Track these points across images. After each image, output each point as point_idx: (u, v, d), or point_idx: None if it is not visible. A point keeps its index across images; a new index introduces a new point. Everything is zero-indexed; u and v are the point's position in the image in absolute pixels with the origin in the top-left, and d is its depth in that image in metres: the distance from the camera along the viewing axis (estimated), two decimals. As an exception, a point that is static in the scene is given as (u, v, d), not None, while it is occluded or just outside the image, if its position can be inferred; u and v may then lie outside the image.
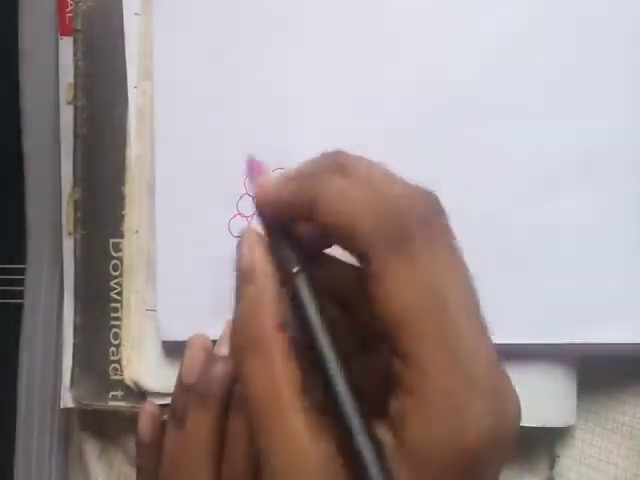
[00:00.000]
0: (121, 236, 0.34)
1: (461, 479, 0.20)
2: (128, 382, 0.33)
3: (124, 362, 0.33)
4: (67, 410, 0.35)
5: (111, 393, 0.34)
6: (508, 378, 0.22)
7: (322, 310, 0.22)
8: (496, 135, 0.31)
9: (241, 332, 0.23)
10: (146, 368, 0.33)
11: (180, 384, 0.29)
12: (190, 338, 0.30)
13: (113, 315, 0.34)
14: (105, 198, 0.34)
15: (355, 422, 0.20)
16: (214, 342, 0.30)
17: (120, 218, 0.34)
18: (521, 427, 0.30)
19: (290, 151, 0.32)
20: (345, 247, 0.22)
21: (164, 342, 0.33)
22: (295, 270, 0.22)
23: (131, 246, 0.33)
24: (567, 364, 0.32)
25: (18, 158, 0.37)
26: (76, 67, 0.34)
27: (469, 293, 0.22)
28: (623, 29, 0.31)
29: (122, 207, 0.34)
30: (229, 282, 0.28)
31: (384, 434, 0.21)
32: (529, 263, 0.31)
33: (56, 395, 0.37)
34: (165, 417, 0.31)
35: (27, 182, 0.37)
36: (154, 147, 0.32)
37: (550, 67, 0.31)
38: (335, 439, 0.21)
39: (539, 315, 0.31)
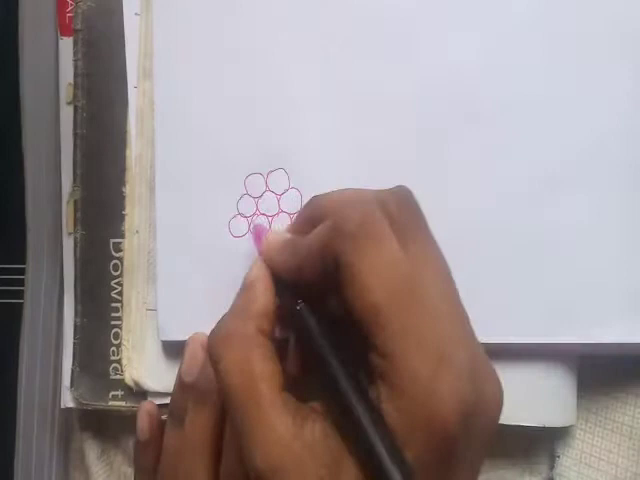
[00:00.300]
0: (121, 236, 0.34)
1: (441, 461, 0.20)
2: (128, 382, 0.33)
3: (124, 362, 0.33)
4: (67, 410, 0.35)
5: (111, 393, 0.34)
6: (490, 365, 0.23)
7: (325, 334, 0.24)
8: (495, 135, 0.31)
9: (223, 329, 0.24)
10: (147, 368, 0.33)
11: (180, 383, 0.30)
12: (190, 337, 0.30)
13: (113, 315, 0.34)
14: (105, 198, 0.34)
15: (365, 419, 0.21)
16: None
17: (120, 218, 0.34)
18: (521, 427, 0.31)
19: (291, 151, 0.32)
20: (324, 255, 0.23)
21: (164, 342, 0.33)
22: (299, 307, 0.24)
23: (131, 246, 0.33)
24: (567, 364, 0.32)
25: (18, 157, 0.37)
26: (76, 67, 0.34)
27: (442, 280, 0.23)
28: (623, 29, 0.31)
29: (122, 207, 0.34)
30: (229, 282, 0.28)
31: None
32: (528, 263, 0.31)
33: (56, 395, 0.37)
34: (164, 417, 0.31)
35: (27, 182, 0.37)
36: (154, 147, 0.32)
37: (550, 67, 0.31)
38: (322, 428, 0.21)
39: (539, 315, 0.31)
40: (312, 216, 0.26)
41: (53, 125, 0.36)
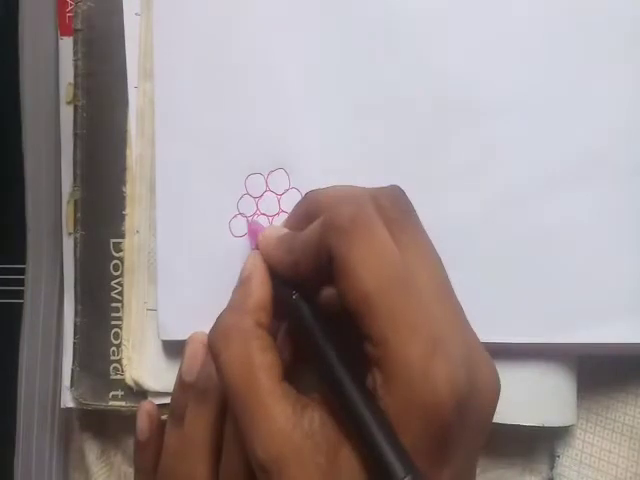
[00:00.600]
0: (122, 236, 0.34)
1: (436, 446, 0.21)
2: (129, 382, 0.33)
3: (125, 362, 0.33)
4: (67, 410, 0.35)
5: (111, 393, 0.34)
6: (485, 352, 0.23)
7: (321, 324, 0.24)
8: (496, 135, 0.31)
9: (221, 325, 0.24)
10: (147, 368, 0.33)
11: (180, 382, 0.30)
12: (190, 336, 0.30)
13: (114, 315, 0.34)
14: (106, 198, 0.34)
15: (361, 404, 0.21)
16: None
17: (121, 218, 0.34)
18: (521, 427, 0.31)
19: (291, 151, 0.32)
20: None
21: (164, 342, 0.33)
22: (294, 296, 0.25)
23: (132, 246, 0.33)
24: (567, 364, 0.32)
25: (18, 158, 0.37)
26: (76, 67, 0.34)
27: (434, 271, 0.23)
28: (623, 29, 0.31)
29: (123, 207, 0.33)
30: (230, 282, 0.28)
31: None
32: (529, 263, 0.31)
33: (56, 395, 0.37)
34: (164, 417, 0.31)
35: (27, 182, 0.37)
36: (155, 147, 0.32)
37: (550, 67, 0.31)
38: (321, 418, 0.22)
39: (539, 315, 0.31)
40: (307, 212, 0.27)
41: (53, 125, 0.36)
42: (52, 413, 0.38)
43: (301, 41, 0.32)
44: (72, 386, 0.34)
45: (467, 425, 0.21)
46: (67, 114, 0.35)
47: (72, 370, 0.34)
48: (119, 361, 0.33)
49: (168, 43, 0.32)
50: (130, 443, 0.35)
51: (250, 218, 0.32)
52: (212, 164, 0.32)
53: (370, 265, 0.22)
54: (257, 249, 0.28)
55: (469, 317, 0.24)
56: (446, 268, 0.24)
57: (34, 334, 0.37)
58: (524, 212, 0.31)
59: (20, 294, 0.38)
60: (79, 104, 0.34)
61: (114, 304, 0.34)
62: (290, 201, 0.31)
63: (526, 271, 0.31)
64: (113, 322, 0.34)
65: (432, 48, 0.32)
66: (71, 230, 0.34)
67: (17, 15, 0.37)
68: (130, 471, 0.35)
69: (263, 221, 0.32)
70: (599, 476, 0.33)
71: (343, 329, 0.23)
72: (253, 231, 0.30)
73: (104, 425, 0.36)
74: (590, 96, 0.31)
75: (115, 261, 0.34)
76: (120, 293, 0.34)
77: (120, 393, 0.33)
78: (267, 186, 0.32)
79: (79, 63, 0.34)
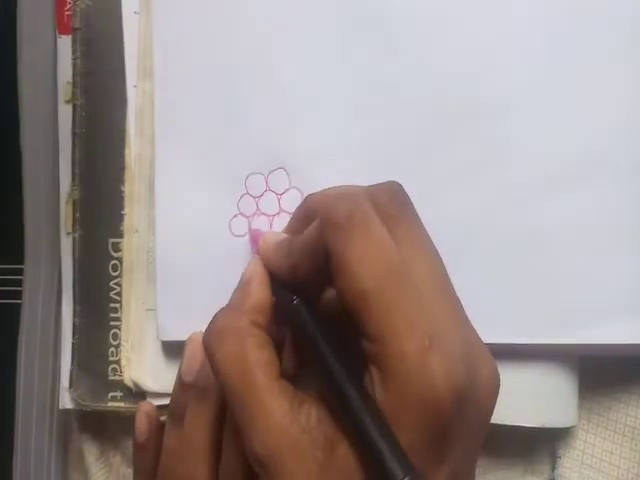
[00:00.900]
0: (120, 236, 0.33)
1: (434, 442, 0.21)
2: (128, 382, 0.33)
3: (124, 362, 0.33)
4: (66, 411, 0.35)
5: (110, 394, 0.33)
6: (484, 349, 0.23)
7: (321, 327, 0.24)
8: (496, 135, 0.31)
9: (216, 324, 0.24)
10: (146, 368, 0.33)
11: (179, 383, 0.29)
12: (189, 336, 0.30)
13: (112, 315, 0.33)
14: (104, 197, 0.34)
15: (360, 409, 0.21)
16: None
17: (119, 218, 0.33)
18: (522, 427, 0.31)
19: (291, 151, 0.32)
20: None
21: (163, 342, 0.33)
22: (295, 301, 0.25)
23: (131, 246, 0.33)
24: (568, 364, 0.32)
25: (16, 157, 0.37)
26: (75, 66, 0.34)
27: (433, 266, 0.23)
28: (623, 29, 0.31)
29: (121, 207, 0.33)
30: (229, 282, 0.28)
31: None
32: (529, 263, 0.31)
33: (55, 396, 0.37)
34: (162, 417, 0.31)
35: (25, 181, 0.37)
36: (154, 146, 0.32)
37: (550, 67, 0.31)
38: (317, 414, 0.22)
39: (540, 315, 0.31)
40: (306, 215, 0.27)
41: (51, 124, 0.36)
42: (51, 414, 0.37)
43: (301, 41, 0.32)
44: (71, 387, 0.33)
45: (466, 421, 0.21)
46: (65, 113, 0.35)
47: (71, 371, 0.34)
48: (118, 362, 0.33)
49: (167, 42, 0.32)
50: (129, 444, 0.35)
51: (252, 218, 0.32)
52: (212, 164, 0.32)
53: (367, 261, 0.21)
54: (258, 256, 0.28)
55: (469, 317, 0.24)
56: (446, 268, 0.24)
57: (32, 334, 0.37)
58: (524, 212, 0.31)
59: (18, 294, 0.38)
60: (78, 103, 0.34)
61: (113, 304, 0.34)
62: (290, 201, 0.31)
63: (526, 271, 0.31)
64: (112, 322, 0.34)
65: (432, 48, 0.32)
66: (70, 230, 0.34)
67: (15, 14, 0.37)
68: (129, 472, 0.35)
69: (263, 221, 0.32)
70: (600, 477, 0.33)
71: (344, 331, 0.23)
72: (255, 237, 0.30)
73: (103, 426, 0.36)
74: (590, 96, 0.31)
75: (114, 261, 0.34)
76: (119, 293, 0.33)
77: (119, 394, 0.33)
78: (267, 186, 0.32)
79: (78, 62, 0.34)
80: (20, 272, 0.38)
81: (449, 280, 0.24)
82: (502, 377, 0.23)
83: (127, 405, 0.33)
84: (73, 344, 0.34)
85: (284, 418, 0.22)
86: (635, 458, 0.33)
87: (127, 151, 0.33)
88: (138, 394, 0.33)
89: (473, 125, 0.31)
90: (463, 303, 0.24)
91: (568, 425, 0.32)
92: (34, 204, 0.37)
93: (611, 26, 0.31)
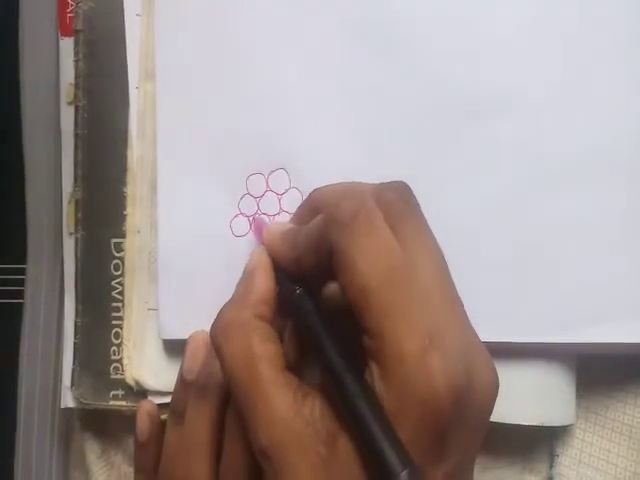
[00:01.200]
0: (123, 236, 0.34)
1: (432, 440, 0.21)
2: (129, 381, 0.33)
3: (125, 361, 0.33)
4: (67, 410, 0.35)
5: (112, 392, 0.34)
6: (484, 349, 0.23)
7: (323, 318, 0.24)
8: (496, 134, 0.31)
9: (222, 318, 0.25)
10: (147, 367, 0.33)
11: (181, 380, 0.30)
12: (190, 335, 0.31)
13: (114, 315, 0.34)
14: (106, 198, 0.34)
15: (357, 397, 0.21)
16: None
17: (121, 218, 0.34)
18: (521, 426, 0.31)
19: (291, 151, 0.32)
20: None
21: (165, 341, 0.33)
22: (298, 291, 0.25)
23: (133, 246, 0.33)
24: (567, 363, 0.32)
25: (18, 158, 0.37)
26: (77, 67, 0.34)
27: (436, 266, 0.23)
28: (623, 29, 0.31)
29: (124, 207, 0.34)
30: (230, 281, 0.28)
31: None
32: (529, 262, 0.31)
33: (56, 395, 0.37)
34: (163, 416, 0.31)
35: (28, 182, 0.37)
36: (156, 147, 0.33)
37: (550, 67, 0.31)
38: (320, 406, 0.22)
39: (539, 314, 0.31)
40: (311, 208, 0.27)
41: (54, 125, 0.36)
42: (52, 413, 0.38)
43: (301, 41, 0.32)
44: (72, 386, 0.34)
45: (464, 421, 0.21)
46: (68, 114, 0.35)
47: (72, 370, 0.34)
48: (120, 360, 0.33)
49: (169, 44, 0.33)
50: (131, 443, 0.35)
51: (252, 218, 0.32)
52: (213, 164, 0.32)
53: (369, 259, 0.22)
54: (262, 246, 0.28)
55: (469, 316, 0.24)
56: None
57: (34, 334, 0.37)
58: (525, 212, 0.31)
59: (20, 294, 0.38)
60: (80, 104, 0.34)
61: (115, 304, 0.34)
62: (291, 201, 0.31)
63: (526, 271, 0.31)
64: (114, 322, 0.34)
65: (432, 48, 0.32)
66: (72, 230, 0.34)
67: (17, 15, 0.37)
68: (130, 471, 0.35)
69: (264, 221, 0.32)
70: (598, 475, 0.33)
71: (346, 324, 0.23)
72: (258, 228, 0.30)
73: (104, 425, 0.36)
74: (590, 96, 0.31)
75: (116, 261, 0.34)
76: (121, 293, 0.34)
77: (121, 392, 0.33)
78: (268, 186, 0.32)
79: (80, 64, 0.34)
80: (22, 272, 0.38)
81: (452, 281, 0.24)
82: (500, 376, 0.23)
83: (128, 404, 0.33)
84: (75, 343, 0.34)
85: (288, 411, 0.22)
86: (632, 456, 0.33)
87: (129, 152, 0.34)
88: (139, 393, 0.33)
89: (473, 125, 0.31)
90: (463, 302, 0.24)
91: (566, 423, 0.32)
92: (37, 204, 0.37)
93: (611, 26, 0.31)
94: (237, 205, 0.32)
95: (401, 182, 0.25)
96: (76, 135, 0.34)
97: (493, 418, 0.24)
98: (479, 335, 0.24)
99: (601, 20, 0.31)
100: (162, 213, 0.32)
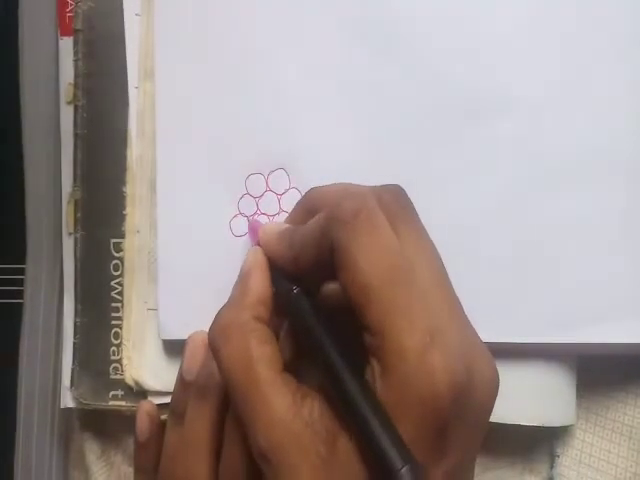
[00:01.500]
0: (122, 236, 0.34)
1: (431, 437, 0.21)
2: (129, 381, 0.33)
3: (125, 361, 0.33)
4: (67, 410, 0.35)
5: (111, 393, 0.34)
6: (484, 347, 0.23)
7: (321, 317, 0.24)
8: (496, 134, 0.31)
9: (220, 321, 0.25)
10: (147, 367, 0.33)
11: (181, 381, 0.30)
12: (190, 335, 0.31)
13: (114, 315, 0.34)
14: (106, 198, 0.34)
15: (356, 392, 0.21)
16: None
17: (121, 218, 0.34)
18: (521, 426, 0.31)
19: (291, 151, 0.32)
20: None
21: (164, 341, 0.33)
22: (295, 291, 0.25)
23: (132, 246, 0.33)
24: (567, 364, 0.32)
25: (18, 158, 0.37)
26: (76, 67, 0.34)
27: (434, 266, 0.23)
28: (622, 29, 0.31)
29: (123, 207, 0.34)
30: (230, 282, 0.28)
31: None
32: (528, 262, 0.31)
33: (56, 395, 0.37)
34: (163, 416, 0.31)
35: (27, 181, 0.37)
36: (155, 147, 0.33)
37: (550, 66, 0.31)
38: (320, 406, 0.22)
39: (539, 314, 0.31)
40: (309, 207, 0.27)
41: (53, 125, 0.36)
42: (52, 413, 0.38)
43: (301, 41, 0.32)
44: (72, 386, 0.34)
45: (465, 418, 0.21)
46: (67, 114, 0.35)
47: (72, 370, 0.34)
48: (119, 361, 0.33)
49: (168, 43, 0.33)
50: (130, 443, 0.35)
51: (251, 217, 0.32)
52: (213, 164, 0.32)
53: (371, 257, 0.22)
54: (257, 246, 0.28)
55: (469, 317, 0.24)
56: (446, 268, 0.24)
57: (34, 334, 0.37)
58: (524, 212, 0.31)
59: (20, 294, 0.38)
60: (79, 104, 0.34)
61: (114, 304, 0.34)
62: (290, 201, 0.31)
63: (526, 271, 0.31)
64: (113, 322, 0.34)
65: (432, 48, 0.32)
66: (71, 230, 0.34)
67: (17, 15, 0.37)
68: (130, 471, 0.35)
69: (263, 221, 0.32)
70: (598, 476, 0.33)
71: (344, 323, 0.23)
72: (254, 229, 0.30)
73: (104, 425, 0.36)
74: (590, 96, 0.31)
75: (115, 261, 0.34)
76: (120, 293, 0.34)
77: (120, 393, 0.33)
78: (267, 186, 0.32)
79: (79, 63, 0.34)
80: (21, 272, 0.38)
81: (449, 280, 0.24)
82: (501, 376, 0.23)
83: (128, 404, 0.33)
84: (74, 343, 0.34)
85: (287, 412, 0.22)
86: (633, 457, 0.33)
87: (129, 152, 0.34)
88: (139, 393, 0.33)
89: (473, 125, 0.31)
90: (463, 302, 0.24)
91: (566, 424, 0.32)
92: (36, 204, 0.37)
93: (610, 26, 0.31)
94: (237, 205, 0.32)
95: (396, 185, 0.25)
96: (75, 135, 0.34)
97: (493, 418, 0.24)
98: (479, 335, 0.24)
99: (600, 20, 0.31)
100: (161, 213, 0.32)
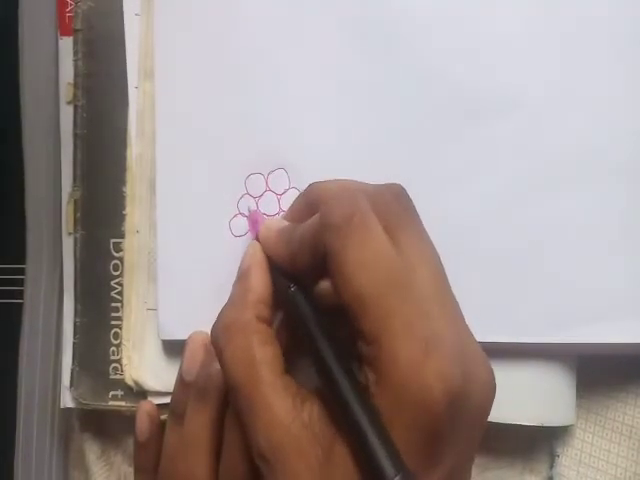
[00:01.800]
0: (122, 236, 0.34)
1: (426, 443, 0.21)
2: (129, 382, 0.33)
3: (125, 361, 0.33)
4: (67, 410, 0.35)
5: (111, 393, 0.34)
6: (481, 352, 0.23)
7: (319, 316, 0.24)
8: (495, 134, 0.31)
9: (223, 320, 0.25)
10: (147, 367, 0.33)
11: (180, 381, 0.30)
12: (190, 335, 0.31)
13: (113, 315, 0.34)
14: (106, 198, 0.34)
15: (351, 397, 0.22)
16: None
17: (121, 218, 0.34)
18: (521, 426, 0.31)
19: (291, 151, 0.32)
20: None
21: (164, 341, 0.33)
22: (292, 288, 0.25)
23: (132, 246, 0.33)
24: (567, 363, 0.32)
25: (18, 158, 0.37)
26: (76, 67, 0.34)
27: (432, 270, 0.23)
28: (622, 29, 0.31)
29: (123, 207, 0.34)
30: (230, 281, 0.28)
31: None
32: (528, 262, 0.31)
33: (56, 395, 0.37)
34: (163, 416, 0.31)
35: (27, 182, 0.37)
36: (155, 147, 0.33)
37: (550, 66, 0.31)
38: (318, 410, 0.22)
39: (539, 315, 0.31)
40: (308, 202, 0.27)
41: (53, 125, 0.36)
42: (52, 413, 0.38)
43: (301, 41, 0.32)
44: (72, 386, 0.34)
45: (461, 422, 0.21)
46: (67, 114, 0.35)
47: (72, 370, 0.34)
48: (119, 361, 0.33)
49: (168, 43, 0.33)
50: (130, 443, 0.35)
51: (251, 208, 0.32)
52: (212, 164, 0.32)
53: (364, 264, 0.22)
54: (257, 239, 0.28)
55: (468, 317, 0.24)
56: (445, 268, 0.24)
57: (34, 334, 0.37)
58: (524, 212, 0.31)
59: (20, 294, 0.38)
60: (79, 104, 0.34)
61: (114, 304, 0.34)
62: (290, 201, 0.31)
63: (526, 270, 0.31)
64: (113, 322, 0.34)
65: (432, 47, 0.32)
66: (71, 230, 0.34)
67: (17, 15, 0.37)
68: (130, 471, 0.35)
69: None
70: (598, 476, 0.33)
71: (339, 322, 0.23)
72: (254, 220, 0.30)
73: (104, 425, 0.36)
74: (589, 96, 0.31)
75: (115, 261, 0.34)
76: (120, 293, 0.34)
77: (120, 393, 0.33)
78: (267, 186, 0.32)
79: (79, 63, 0.34)
80: (21, 272, 0.38)
81: (448, 283, 0.24)
82: (501, 376, 0.23)
83: (128, 404, 0.33)
84: (74, 343, 0.34)
85: (287, 415, 0.22)
86: (633, 457, 0.33)
87: (128, 152, 0.34)
88: (139, 393, 0.33)
89: (473, 125, 0.31)
90: (462, 302, 0.24)
91: (566, 424, 0.32)
92: (36, 204, 0.37)
93: (610, 26, 0.31)
94: (236, 205, 0.32)
95: (398, 185, 0.25)
96: (75, 135, 0.34)
97: (493, 418, 0.24)
98: (478, 336, 0.24)
99: (600, 20, 0.31)
100: (161, 213, 0.32)
